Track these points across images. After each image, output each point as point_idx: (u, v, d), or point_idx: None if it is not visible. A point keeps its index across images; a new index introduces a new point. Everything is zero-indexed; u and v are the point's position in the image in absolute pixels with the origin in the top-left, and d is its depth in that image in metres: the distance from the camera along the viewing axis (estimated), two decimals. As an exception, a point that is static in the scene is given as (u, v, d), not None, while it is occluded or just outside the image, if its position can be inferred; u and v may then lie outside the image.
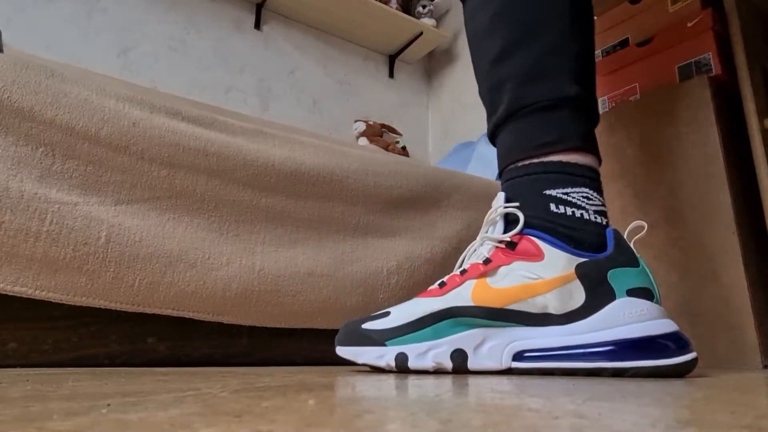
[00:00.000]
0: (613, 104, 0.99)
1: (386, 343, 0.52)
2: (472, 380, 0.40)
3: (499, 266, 0.51)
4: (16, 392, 0.27)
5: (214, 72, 1.77)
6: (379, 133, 1.95)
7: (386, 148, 1.83)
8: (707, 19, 0.88)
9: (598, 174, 0.56)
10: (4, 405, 0.21)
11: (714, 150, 0.80)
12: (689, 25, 0.90)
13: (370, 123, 1.95)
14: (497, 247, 0.53)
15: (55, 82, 0.60)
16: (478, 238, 0.57)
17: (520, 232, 0.52)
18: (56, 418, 0.18)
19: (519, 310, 0.49)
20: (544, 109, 0.55)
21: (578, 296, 0.48)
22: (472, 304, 0.50)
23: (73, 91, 0.61)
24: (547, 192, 0.53)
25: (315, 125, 1.92)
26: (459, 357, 0.50)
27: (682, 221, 0.82)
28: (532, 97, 0.55)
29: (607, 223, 0.53)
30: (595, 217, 0.52)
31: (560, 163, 0.54)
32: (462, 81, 2.09)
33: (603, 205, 0.54)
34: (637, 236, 0.51)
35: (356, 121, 1.97)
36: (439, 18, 2.22)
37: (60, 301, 0.55)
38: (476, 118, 1.92)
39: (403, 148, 1.97)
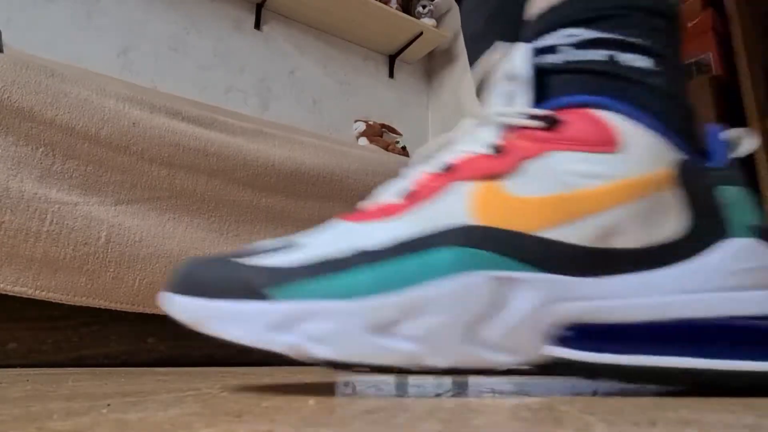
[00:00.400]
0: (613, 104, 0.99)
1: (269, 293, 0.25)
2: (472, 379, 0.40)
3: (525, 159, 0.28)
4: (16, 392, 0.27)
5: (214, 72, 1.77)
6: (379, 133, 1.95)
7: (386, 148, 1.83)
8: (708, 19, 0.88)
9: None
10: (4, 405, 0.21)
11: (714, 150, 0.80)
12: (689, 25, 0.90)
13: (370, 123, 1.95)
14: (517, 128, 0.29)
15: (55, 82, 0.60)
16: (463, 123, 0.33)
17: (579, 103, 0.29)
18: (56, 418, 0.18)
19: (561, 240, 0.26)
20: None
21: (672, 219, 0.27)
22: (474, 223, 0.26)
23: (73, 91, 0.61)
24: (619, 36, 0.30)
25: (315, 125, 1.92)
26: (440, 336, 0.25)
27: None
28: None
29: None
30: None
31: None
32: (462, 81, 2.09)
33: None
34: (739, 152, 0.30)
35: (356, 121, 1.97)
36: (439, 18, 2.22)
37: (60, 301, 0.55)
38: (476, 118, 1.91)
39: (403, 148, 1.97)
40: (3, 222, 0.53)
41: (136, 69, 1.63)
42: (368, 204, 0.30)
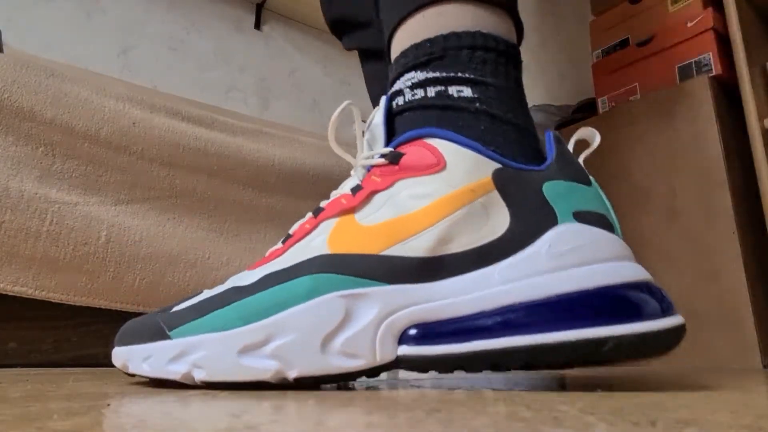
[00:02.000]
0: (613, 104, 0.99)
1: (171, 333, 0.31)
2: (472, 379, 0.40)
3: (374, 192, 0.33)
4: (16, 392, 0.27)
5: (214, 72, 1.77)
6: (379, 133, 1.95)
7: (386, 148, 1.83)
8: (707, 19, 0.88)
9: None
10: (4, 405, 0.21)
11: (714, 150, 0.80)
12: (689, 25, 0.90)
13: (370, 123, 1.94)
14: (374, 167, 0.34)
15: (55, 82, 0.60)
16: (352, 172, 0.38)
17: (415, 137, 0.33)
18: (56, 418, 0.18)
19: (400, 256, 0.30)
20: None
21: (498, 219, 0.30)
22: (325, 252, 0.31)
23: (73, 91, 0.61)
24: (447, 73, 0.35)
25: (315, 125, 1.92)
26: (291, 351, 0.28)
27: (682, 221, 0.82)
28: None
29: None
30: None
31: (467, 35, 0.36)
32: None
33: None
34: (586, 152, 0.34)
35: (356, 121, 1.97)
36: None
37: (60, 301, 0.55)
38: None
39: (403, 148, 1.97)
40: (3, 222, 0.53)
41: (136, 69, 1.63)
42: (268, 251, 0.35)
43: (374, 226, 0.31)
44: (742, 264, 0.74)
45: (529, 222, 0.30)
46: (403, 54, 0.37)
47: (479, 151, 0.32)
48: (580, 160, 0.33)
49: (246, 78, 1.83)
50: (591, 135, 0.34)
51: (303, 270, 0.30)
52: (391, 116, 0.36)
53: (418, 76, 0.36)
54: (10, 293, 0.53)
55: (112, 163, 0.61)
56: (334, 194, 0.35)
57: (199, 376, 0.29)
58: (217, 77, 1.77)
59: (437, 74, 0.35)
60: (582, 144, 0.35)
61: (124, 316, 0.61)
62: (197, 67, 1.74)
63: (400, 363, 0.29)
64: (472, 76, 0.35)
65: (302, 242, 0.33)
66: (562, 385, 0.34)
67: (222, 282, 0.34)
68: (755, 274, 0.76)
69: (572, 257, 0.29)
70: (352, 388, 0.32)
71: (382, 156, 0.34)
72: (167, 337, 0.31)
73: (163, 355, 0.30)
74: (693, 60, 0.89)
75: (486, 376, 0.46)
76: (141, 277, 0.60)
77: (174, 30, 1.72)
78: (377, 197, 0.33)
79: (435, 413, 0.20)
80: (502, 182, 0.31)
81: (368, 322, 0.29)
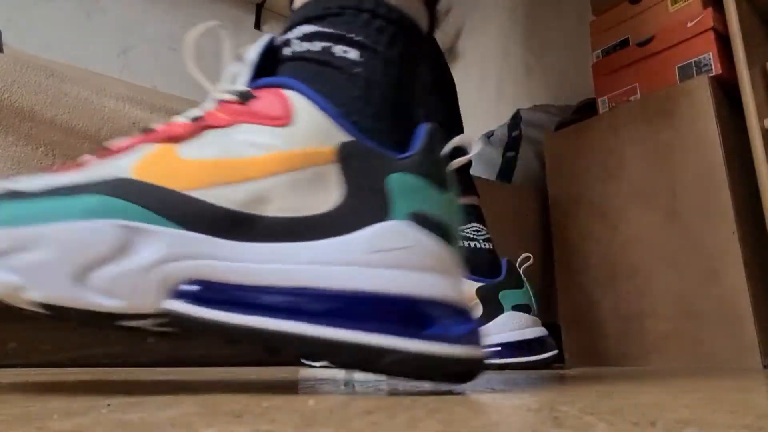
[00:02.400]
0: (613, 104, 0.99)
1: None
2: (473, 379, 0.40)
3: (208, 128, 0.29)
4: (16, 392, 0.27)
5: (214, 72, 1.77)
6: (379, 133, 1.95)
7: (386, 148, 1.83)
8: (707, 19, 0.88)
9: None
10: (4, 405, 0.21)
11: (714, 150, 0.80)
12: (689, 25, 0.90)
13: (370, 123, 1.94)
14: (222, 102, 0.31)
15: (55, 82, 0.60)
16: None
17: (273, 84, 0.31)
18: (56, 418, 0.18)
19: (208, 201, 0.27)
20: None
21: (328, 195, 0.28)
22: (128, 176, 0.27)
23: (73, 91, 0.61)
24: (337, 31, 0.34)
25: (315, 125, 1.92)
26: (41, 270, 0.24)
27: (682, 221, 0.82)
28: None
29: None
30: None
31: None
32: (462, 81, 2.09)
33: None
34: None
35: (356, 121, 1.97)
36: (440, 17, 2.22)
37: (60, 301, 0.56)
38: (476, 118, 1.92)
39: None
40: (3, 222, 0.53)
41: (136, 69, 1.63)
42: (81, 158, 0.30)
43: (191, 162, 0.27)
44: (742, 264, 0.74)
45: (360, 208, 0.28)
46: (304, 6, 0.36)
47: (332, 116, 0.29)
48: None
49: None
50: (468, 142, 0.31)
51: (93, 188, 0.26)
52: (273, 64, 0.33)
53: (309, 28, 0.34)
54: (10, 293, 0.53)
55: (112, 163, 0.62)
56: (174, 119, 0.31)
57: None
58: (217, 77, 1.77)
59: (327, 30, 0.33)
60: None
61: (124, 316, 0.62)
62: (197, 67, 1.74)
63: (165, 316, 0.26)
64: (362, 40, 0.33)
65: (110, 160, 0.28)
66: (562, 385, 0.34)
67: None
68: (755, 274, 0.76)
69: (390, 257, 0.27)
70: (353, 388, 0.32)
71: (234, 94, 0.31)
72: None
73: None
74: (693, 60, 0.89)
75: (486, 376, 0.46)
76: (141, 277, 0.60)
77: (174, 30, 1.72)
78: (209, 133, 0.29)
79: (435, 413, 0.20)
80: (346, 157, 0.28)
81: (144, 262, 0.25)
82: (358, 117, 0.30)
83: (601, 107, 1.02)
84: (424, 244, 0.27)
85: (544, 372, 0.55)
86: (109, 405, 0.21)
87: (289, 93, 0.30)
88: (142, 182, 0.26)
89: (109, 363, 0.61)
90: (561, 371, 0.62)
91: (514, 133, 1.28)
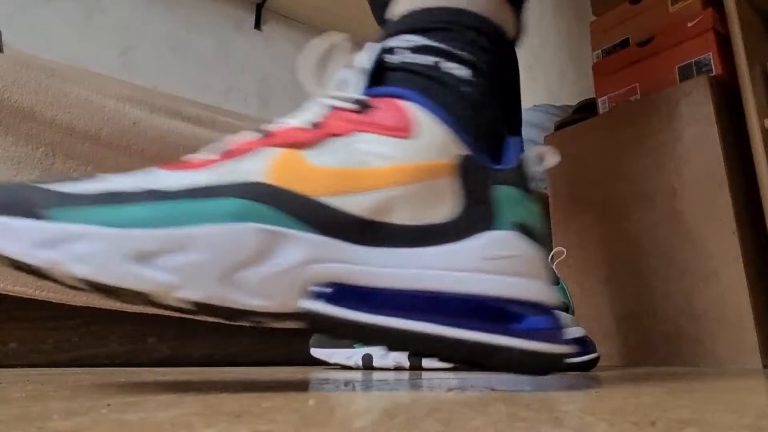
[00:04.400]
0: (613, 104, 0.99)
1: (47, 213, 0.26)
2: (473, 378, 0.40)
3: (331, 135, 0.31)
4: (16, 392, 0.27)
5: (214, 72, 1.77)
6: (379, 133, 1.95)
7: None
8: (707, 19, 0.88)
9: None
10: (4, 405, 0.21)
11: (714, 150, 0.80)
12: (689, 25, 0.90)
13: (370, 123, 1.94)
14: (337, 109, 0.32)
15: (55, 82, 0.60)
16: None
17: (392, 94, 0.32)
18: (56, 418, 0.18)
19: (340, 208, 0.28)
20: None
21: (446, 205, 0.30)
22: (264, 181, 0.28)
23: (73, 91, 0.61)
24: (446, 47, 0.35)
25: (315, 125, 1.92)
26: (195, 270, 0.26)
27: (682, 221, 0.82)
28: None
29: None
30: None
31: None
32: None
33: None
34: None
35: (356, 121, 1.97)
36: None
37: (60, 301, 0.55)
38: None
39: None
40: (3, 222, 0.53)
41: (136, 69, 1.63)
42: (190, 157, 0.31)
43: (322, 169, 0.29)
44: (742, 264, 0.74)
45: (472, 217, 0.30)
46: (409, 14, 0.36)
47: (456, 132, 0.31)
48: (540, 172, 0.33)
49: (246, 78, 1.83)
50: (552, 153, 0.34)
51: (233, 191, 0.27)
52: (378, 70, 0.34)
53: (417, 40, 0.34)
54: (10, 293, 0.53)
55: (112, 163, 0.61)
56: (284, 121, 0.32)
57: (81, 271, 0.25)
58: (217, 77, 1.77)
59: (436, 44, 0.34)
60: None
61: (124, 316, 0.61)
62: (197, 67, 1.74)
63: (304, 317, 0.28)
64: (470, 58, 0.34)
65: (238, 162, 0.29)
66: (562, 385, 0.34)
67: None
68: (755, 274, 0.76)
69: (500, 264, 0.29)
70: (353, 388, 0.32)
71: (351, 102, 0.32)
72: (36, 216, 0.25)
73: (28, 235, 0.25)
74: (693, 60, 0.89)
75: (485, 376, 0.46)
76: (141, 277, 0.60)
77: (174, 30, 1.72)
78: (334, 141, 0.30)
79: (435, 413, 0.20)
80: (464, 171, 0.30)
81: (287, 266, 0.27)
82: (467, 133, 0.32)
83: (601, 107, 1.02)
84: (528, 253, 0.31)
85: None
86: (109, 405, 0.21)
87: (407, 104, 0.32)
88: (277, 187, 0.28)
89: (109, 363, 0.61)
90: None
91: (515, 133, 1.28)
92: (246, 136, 0.31)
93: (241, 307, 0.27)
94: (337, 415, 0.19)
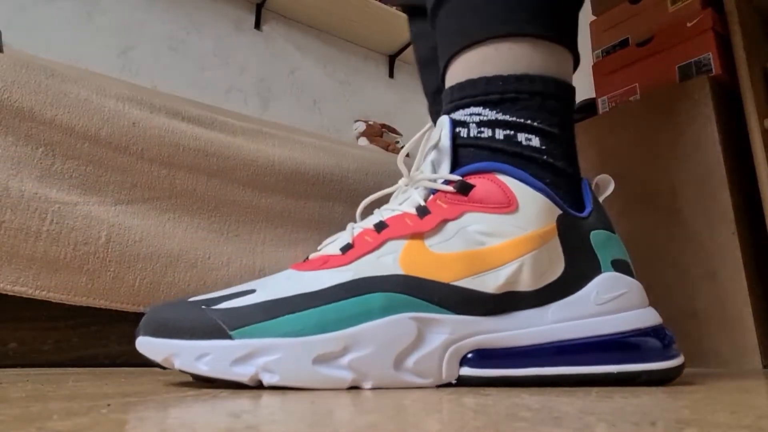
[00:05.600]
0: (613, 104, 0.99)
1: (233, 333, 0.30)
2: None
3: (445, 221, 0.33)
4: (16, 392, 0.27)
5: (214, 72, 1.77)
6: (379, 134, 1.95)
7: (386, 148, 1.83)
8: (707, 19, 0.88)
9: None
10: (4, 405, 0.21)
11: (714, 150, 0.80)
12: (689, 25, 0.90)
13: (370, 123, 1.94)
14: (438, 191, 0.35)
15: (55, 82, 0.60)
16: (400, 182, 0.38)
17: (485, 169, 0.34)
18: (56, 418, 0.18)
19: (473, 289, 0.32)
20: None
21: (556, 263, 0.34)
22: (402, 273, 0.32)
23: (73, 91, 0.61)
24: (517, 119, 0.36)
25: (315, 125, 1.92)
26: (366, 365, 0.30)
27: (682, 221, 0.82)
28: None
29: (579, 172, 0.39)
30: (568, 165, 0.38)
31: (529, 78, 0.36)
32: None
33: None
34: (605, 194, 0.38)
35: (356, 121, 1.97)
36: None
37: (60, 301, 0.55)
38: (476, 118, 1.92)
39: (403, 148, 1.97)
40: (3, 221, 0.53)
41: (136, 69, 1.63)
42: (314, 256, 0.35)
43: (446, 256, 0.33)
44: (742, 264, 0.74)
45: (580, 268, 0.34)
46: (471, 84, 0.37)
47: (551, 198, 0.34)
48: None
49: (246, 78, 1.83)
50: (607, 182, 0.38)
51: (377, 286, 0.31)
52: (454, 145, 0.37)
53: (488, 114, 0.36)
54: (10, 293, 0.53)
55: (112, 163, 0.61)
56: (391, 209, 0.36)
57: (270, 380, 0.29)
58: (217, 77, 1.77)
59: (507, 117, 0.36)
60: (603, 187, 0.38)
61: (124, 316, 0.61)
62: (197, 67, 1.73)
63: (462, 382, 0.32)
64: (541, 126, 0.36)
65: (370, 256, 0.33)
66: (562, 385, 0.34)
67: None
68: (755, 274, 0.76)
69: (614, 304, 0.34)
70: (353, 389, 0.32)
71: (449, 182, 0.35)
72: (228, 337, 0.29)
73: (225, 355, 0.29)
74: (693, 60, 0.89)
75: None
76: (141, 277, 0.60)
77: (174, 30, 1.72)
78: (448, 226, 0.33)
79: (435, 413, 0.20)
80: (563, 229, 0.34)
81: (437, 346, 0.31)
82: (557, 193, 0.35)
83: (601, 107, 1.02)
84: (631, 287, 0.35)
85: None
86: (109, 405, 0.21)
87: (503, 178, 0.34)
88: (415, 277, 0.32)
89: (109, 363, 0.61)
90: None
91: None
92: (360, 229, 0.35)
93: (410, 386, 0.31)
94: (337, 416, 0.19)
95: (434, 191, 0.35)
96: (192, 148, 0.66)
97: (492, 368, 0.32)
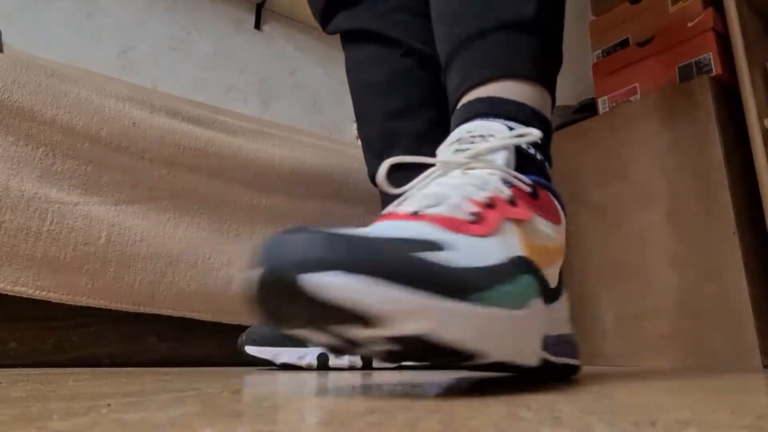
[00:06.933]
0: (614, 104, 0.99)
1: (470, 297, 0.26)
2: (473, 379, 0.40)
3: (534, 214, 0.36)
4: (17, 392, 0.27)
5: (214, 72, 1.77)
6: (379, 133, 1.94)
7: (386, 148, 1.83)
8: (707, 19, 0.88)
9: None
10: (4, 405, 0.21)
11: (714, 150, 0.80)
12: (689, 25, 0.90)
13: (370, 123, 1.94)
14: (515, 188, 0.35)
15: (55, 82, 0.60)
16: (441, 160, 0.37)
17: (544, 186, 0.39)
18: (56, 418, 0.18)
19: (547, 279, 0.35)
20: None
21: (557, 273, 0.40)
22: (527, 256, 0.32)
23: (73, 91, 0.61)
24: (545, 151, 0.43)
25: (315, 125, 1.92)
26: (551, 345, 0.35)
27: (682, 221, 0.82)
28: None
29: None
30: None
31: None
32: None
33: None
34: None
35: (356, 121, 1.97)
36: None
37: (60, 301, 0.55)
38: (476, 118, 1.92)
39: (403, 148, 1.97)
40: (3, 221, 0.53)
41: (136, 69, 1.63)
42: (432, 211, 0.31)
43: (538, 246, 0.35)
44: (742, 264, 0.74)
45: (561, 280, 0.40)
46: (518, 106, 0.42)
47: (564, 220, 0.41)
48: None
49: (246, 78, 1.83)
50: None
51: (523, 267, 0.32)
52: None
53: (535, 134, 0.38)
54: (10, 293, 0.53)
55: (112, 163, 0.61)
56: (488, 186, 0.35)
57: (500, 356, 0.28)
58: (217, 77, 1.77)
59: (539, 141, 0.39)
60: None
61: (124, 316, 0.61)
62: (197, 67, 1.74)
63: (545, 366, 0.34)
64: (543, 159, 0.41)
65: (502, 235, 0.32)
66: (562, 385, 0.34)
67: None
68: (755, 274, 0.76)
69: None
70: (352, 389, 0.32)
71: (526, 185, 0.37)
72: (468, 300, 0.26)
73: (464, 322, 0.26)
74: (693, 60, 0.89)
75: (485, 376, 0.46)
76: (141, 277, 0.59)
77: (174, 30, 1.72)
78: (534, 219, 0.36)
79: (435, 413, 0.20)
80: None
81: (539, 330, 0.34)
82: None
83: (601, 107, 1.02)
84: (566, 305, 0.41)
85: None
86: (109, 405, 0.21)
87: (553, 197, 0.40)
88: (535, 263, 0.33)
89: (109, 363, 0.61)
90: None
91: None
92: (466, 198, 0.33)
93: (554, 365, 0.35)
94: (337, 416, 0.19)
95: (510, 185, 0.35)
96: (192, 148, 0.66)
97: (554, 355, 0.35)
